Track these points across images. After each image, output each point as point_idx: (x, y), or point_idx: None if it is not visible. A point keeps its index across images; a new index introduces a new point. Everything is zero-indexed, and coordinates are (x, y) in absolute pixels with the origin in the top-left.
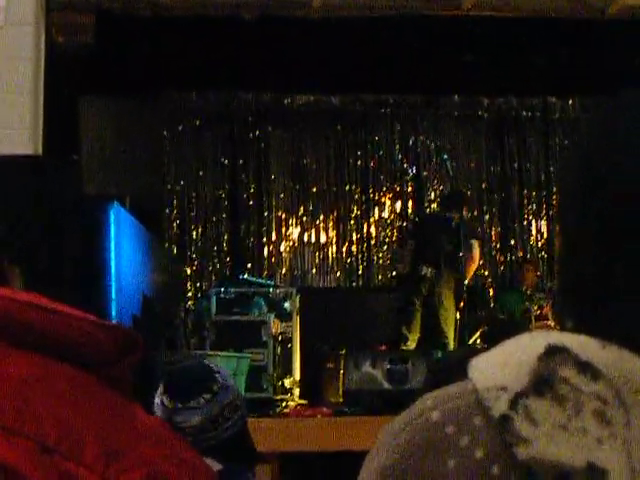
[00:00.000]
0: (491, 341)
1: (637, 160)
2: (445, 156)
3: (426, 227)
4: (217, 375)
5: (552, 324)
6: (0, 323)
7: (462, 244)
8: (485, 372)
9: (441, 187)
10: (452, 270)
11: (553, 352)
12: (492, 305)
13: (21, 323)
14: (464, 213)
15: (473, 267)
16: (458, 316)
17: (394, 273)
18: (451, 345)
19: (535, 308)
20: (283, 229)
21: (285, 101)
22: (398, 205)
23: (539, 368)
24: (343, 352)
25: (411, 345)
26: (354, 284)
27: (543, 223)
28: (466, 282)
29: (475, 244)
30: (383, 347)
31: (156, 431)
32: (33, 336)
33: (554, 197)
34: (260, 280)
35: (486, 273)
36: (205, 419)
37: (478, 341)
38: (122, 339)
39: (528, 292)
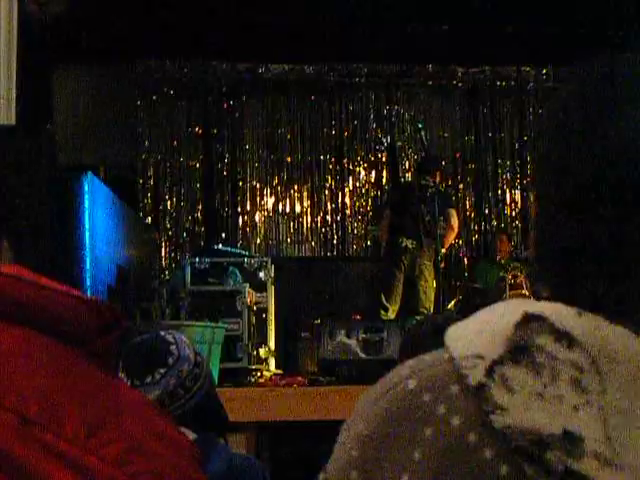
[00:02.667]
0: (466, 310)
1: (613, 125)
2: (420, 125)
3: (403, 196)
4: (172, 347)
5: (527, 293)
6: None
7: (438, 213)
8: (461, 341)
9: (415, 156)
10: (431, 240)
11: (529, 320)
12: (466, 274)
13: (3, 296)
14: (437, 180)
15: (452, 236)
16: (435, 286)
17: (369, 243)
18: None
19: (510, 277)
20: (257, 199)
21: (259, 70)
22: (373, 175)
23: (515, 336)
24: (318, 322)
25: (391, 315)
26: (329, 254)
27: (517, 192)
28: (443, 251)
29: (452, 212)
30: (358, 317)
31: (138, 406)
32: (16, 309)
33: (528, 166)
34: (235, 250)
35: (460, 242)
36: (163, 393)
37: (453, 309)
38: (105, 315)
39: (502, 261)
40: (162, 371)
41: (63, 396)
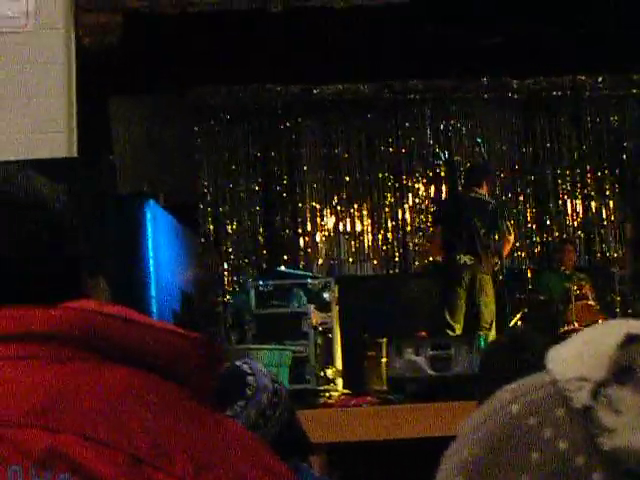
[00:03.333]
0: (531, 322)
1: None
2: (479, 139)
3: (455, 210)
4: (250, 378)
5: (592, 303)
6: (89, 337)
7: (497, 226)
8: (563, 363)
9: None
10: (488, 254)
11: (632, 341)
12: (530, 286)
13: (110, 337)
14: (485, 190)
15: (508, 248)
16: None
17: (431, 259)
18: (493, 330)
19: (575, 288)
20: (318, 219)
21: (314, 91)
22: (432, 190)
23: (619, 357)
24: (384, 340)
25: (457, 332)
26: (391, 271)
27: (578, 202)
28: (498, 264)
29: (508, 225)
30: (423, 334)
31: (243, 440)
32: (122, 349)
33: (588, 175)
34: (297, 271)
35: (523, 255)
36: (245, 425)
37: (519, 323)
38: (208, 351)
39: (567, 272)
40: (241, 404)
41: (171, 434)
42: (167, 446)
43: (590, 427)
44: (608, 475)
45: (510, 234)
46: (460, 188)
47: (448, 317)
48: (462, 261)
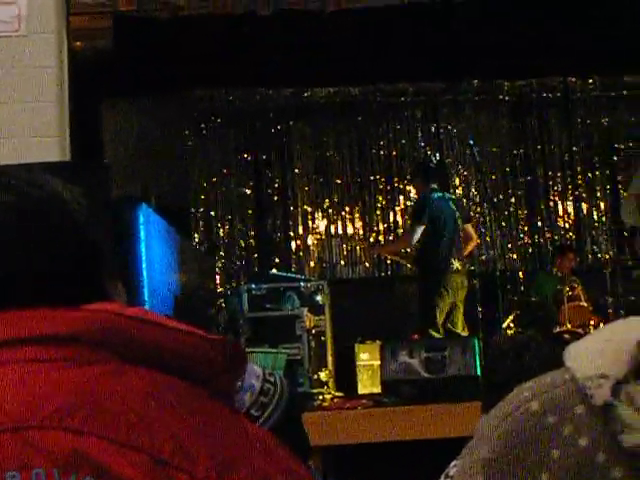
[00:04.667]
0: (524, 324)
1: None
2: (471, 141)
3: (440, 211)
4: None
5: (585, 304)
6: (111, 339)
7: (459, 227)
8: (583, 360)
9: (465, 172)
10: (461, 254)
11: None
12: (522, 288)
13: (131, 339)
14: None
15: (473, 245)
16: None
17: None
18: (459, 329)
19: (567, 289)
20: (309, 222)
21: (305, 94)
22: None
23: (638, 354)
24: (377, 342)
25: (442, 334)
26: (383, 274)
27: (569, 204)
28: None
29: (468, 227)
30: (415, 336)
31: (264, 442)
32: (143, 351)
33: (579, 177)
34: (290, 274)
35: (514, 256)
36: None
37: (512, 325)
38: (229, 352)
39: (559, 274)
40: None
41: (193, 436)
42: (190, 447)
43: (611, 424)
44: (629, 471)
45: (473, 233)
46: (435, 186)
47: (436, 318)
48: (455, 267)
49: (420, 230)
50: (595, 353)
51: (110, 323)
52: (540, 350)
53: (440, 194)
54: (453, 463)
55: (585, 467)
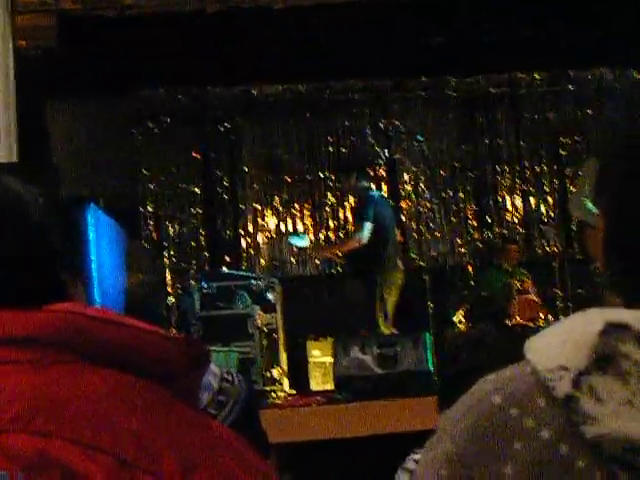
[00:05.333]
0: (474, 318)
1: None
2: (420, 138)
3: (383, 209)
4: None
5: (535, 298)
6: (73, 340)
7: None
8: (543, 353)
9: (414, 168)
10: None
11: (612, 329)
12: (472, 283)
13: (93, 339)
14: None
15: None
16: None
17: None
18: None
19: (516, 283)
20: (259, 220)
21: (253, 92)
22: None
23: (600, 346)
24: (330, 339)
25: (387, 330)
26: (333, 271)
27: (518, 198)
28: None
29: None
30: (367, 332)
31: (228, 440)
32: (106, 351)
33: (527, 172)
34: (241, 273)
35: (464, 251)
36: None
37: (462, 319)
38: (192, 350)
39: (509, 269)
40: None
41: (157, 436)
42: (154, 447)
43: (573, 416)
44: (592, 462)
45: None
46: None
47: (381, 314)
48: (399, 264)
49: (369, 228)
50: (555, 346)
51: (72, 323)
52: (494, 344)
53: (380, 193)
54: (410, 457)
55: (548, 458)
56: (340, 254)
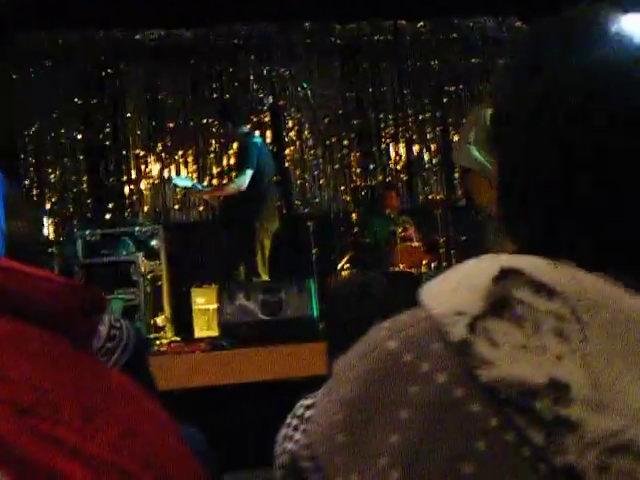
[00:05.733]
0: (358, 265)
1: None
2: (305, 85)
3: (259, 155)
4: None
5: (417, 245)
6: None
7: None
8: (439, 298)
9: (298, 115)
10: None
11: (507, 274)
12: (356, 230)
13: None
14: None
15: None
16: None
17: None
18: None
19: (399, 230)
20: (142, 166)
21: (136, 37)
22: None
23: (495, 290)
24: (214, 286)
25: (265, 276)
26: (216, 218)
27: (401, 146)
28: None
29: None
30: (253, 279)
31: (126, 388)
32: (2, 300)
33: (410, 119)
34: (124, 220)
35: (348, 199)
36: None
37: (347, 266)
38: (87, 297)
39: (392, 216)
40: None
41: (55, 384)
42: (51, 395)
43: (468, 360)
44: (487, 406)
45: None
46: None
47: (260, 263)
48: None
49: (250, 174)
50: (450, 291)
51: None
52: (382, 289)
53: (261, 139)
54: (300, 403)
55: (443, 403)
56: (219, 199)
